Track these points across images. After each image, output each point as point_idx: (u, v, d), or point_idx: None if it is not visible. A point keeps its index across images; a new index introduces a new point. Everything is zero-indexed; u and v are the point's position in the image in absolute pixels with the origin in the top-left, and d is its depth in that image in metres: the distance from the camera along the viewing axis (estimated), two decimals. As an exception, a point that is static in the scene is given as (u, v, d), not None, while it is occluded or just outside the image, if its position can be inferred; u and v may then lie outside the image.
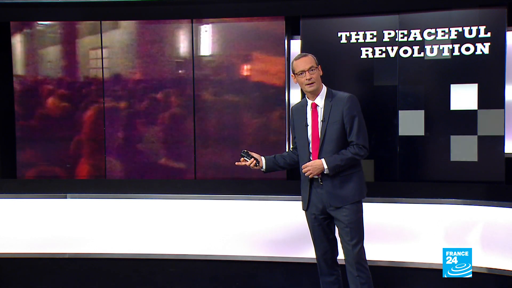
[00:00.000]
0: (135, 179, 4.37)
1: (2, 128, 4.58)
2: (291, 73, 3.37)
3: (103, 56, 4.37)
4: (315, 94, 3.31)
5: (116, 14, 4.33)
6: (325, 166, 3.21)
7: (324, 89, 3.33)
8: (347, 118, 3.24)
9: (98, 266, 4.25)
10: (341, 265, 3.41)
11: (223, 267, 4.16)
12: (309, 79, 3.26)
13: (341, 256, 3.38)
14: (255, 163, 3.40)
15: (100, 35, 4.37)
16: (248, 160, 3.39)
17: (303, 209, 3.40)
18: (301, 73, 3.27)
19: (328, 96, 3.30)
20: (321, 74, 3.32)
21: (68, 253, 4.27)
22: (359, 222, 3.29)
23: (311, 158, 3.29)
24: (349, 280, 3.29)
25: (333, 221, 3.35)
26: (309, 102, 3.35)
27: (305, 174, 3.26)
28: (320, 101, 3.31)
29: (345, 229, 3.24)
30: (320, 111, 3.29)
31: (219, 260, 4.15)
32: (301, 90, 4.13)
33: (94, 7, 4.29)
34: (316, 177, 3.28)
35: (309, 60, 3.29)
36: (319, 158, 3.25)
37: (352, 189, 3.27)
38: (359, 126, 3.26)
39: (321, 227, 3.36)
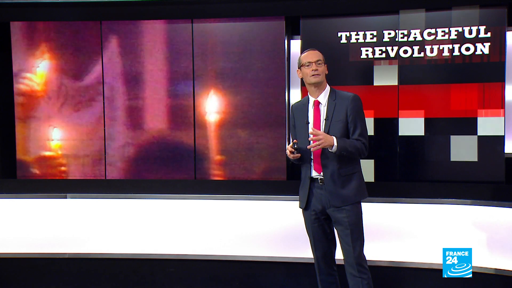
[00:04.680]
0: (135, 179, 4.37)
1: (2, 128, 4.58)
2: (297, 68, 3.33)
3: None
4: (318, 89, 3.27)
5: (116, 14, 4.33)
6: (335, 143, 3.13)
7: (328, 88, 3.30)
8: (351, 117, 3.22)
9: (98, 266, 4.25)
10: (339, 264, 3.40)
11: (223, 267, 4.15)
12: (315, 70, 3.23)
13: (338, 256, 3.36)
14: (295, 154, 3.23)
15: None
16: (294, 153, 3.20)
17: (301, 207, 3.38)
18: (308, 64, 3.25)
19: (332, 95, 3.28)
20: (326, 73, 3.29)
21: (68, 253, 4.27)
22: (359, 224, 3.27)
23: (312, 157, 3.26)
24: (349, 281, 3.27)
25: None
26: (311, 100, 3.31)
27: (315, 143, 3.11)
28: (323, 99, 3.28)
29: (345, 231, 3.22)
30: (323, 109, 3.26)
31: (219, 260, 4.15)
32: (301, 89, 4.16)
33: (94, 7, 4.30)
34: (317, 176, 3.26)
35: (317, 54, 3.28)
36: (322, 156, 3.22)
37: (353, 189, 3.24)
38: (363, 126, 3.26)
39: (321, 227, 3.33)
